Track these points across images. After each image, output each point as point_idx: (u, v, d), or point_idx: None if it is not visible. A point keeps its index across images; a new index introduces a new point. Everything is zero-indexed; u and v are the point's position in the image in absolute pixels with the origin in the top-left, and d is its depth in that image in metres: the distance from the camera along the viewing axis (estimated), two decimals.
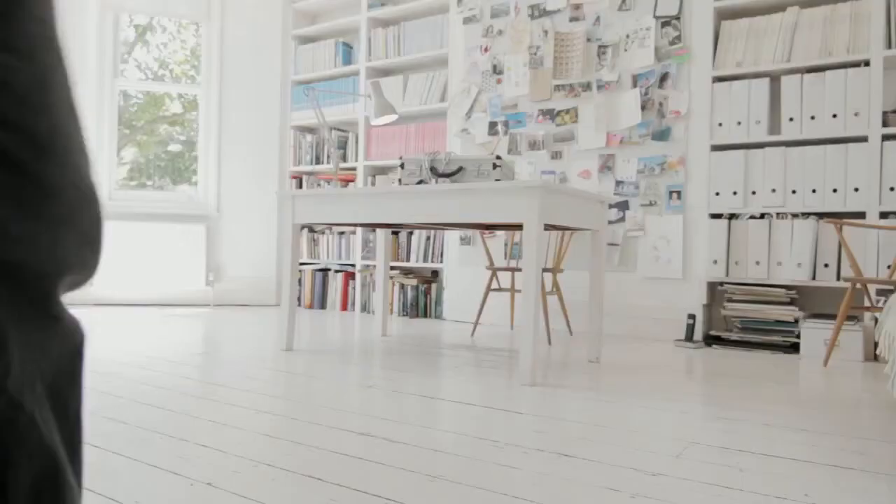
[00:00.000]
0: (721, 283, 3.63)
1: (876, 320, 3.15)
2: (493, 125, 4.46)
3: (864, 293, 3.07)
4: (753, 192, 3.53)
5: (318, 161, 5.44)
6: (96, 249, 0.66)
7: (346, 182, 5.22)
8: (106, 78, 5.25)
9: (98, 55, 5.21)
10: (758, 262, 3.49)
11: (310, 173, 5.55)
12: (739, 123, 3.57)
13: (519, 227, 3.16)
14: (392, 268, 5.06)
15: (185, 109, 5.82)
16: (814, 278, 3.37)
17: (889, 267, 3.16)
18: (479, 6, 4.53)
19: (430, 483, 1.34)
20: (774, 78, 3.57)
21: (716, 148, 3.65)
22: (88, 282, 0.68)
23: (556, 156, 4.22)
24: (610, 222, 4.02)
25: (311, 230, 5.49)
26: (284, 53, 5.59)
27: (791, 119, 3.46)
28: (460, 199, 2.53)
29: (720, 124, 3.62)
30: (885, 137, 3.24)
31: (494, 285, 4.50)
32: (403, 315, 4.85)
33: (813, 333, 3.25)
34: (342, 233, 5.31)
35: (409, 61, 4.98)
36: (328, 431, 1.71)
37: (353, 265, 5.25)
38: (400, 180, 2.87)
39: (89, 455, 1.46)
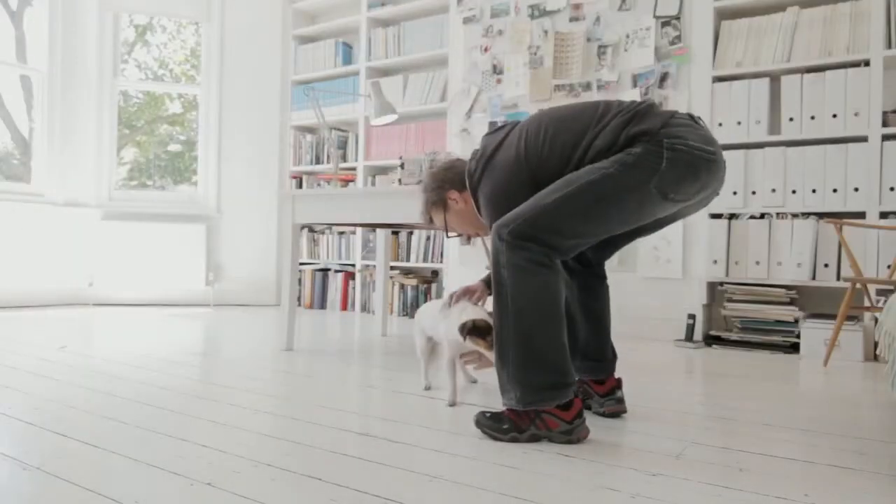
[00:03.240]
0: (721, 283, 3.63)
1: (876, 320, 3.15)
2: (493, 125, 4.46)
3: (864, 293, 3.07)
4: (753, 192, 3.53)
5: (318, 161, 5.44)
6: None
7: (346, 182, 5.22)
8: (106, 78, 5.25)
9: (98, 55, 5.21)
10: (758, 262, 3.49)
11: (310, 173, 5.55)
12: (739, 123, 3.57)
13: None
14: (392, 268, 5.06)
15: (185, 109, 5.82)
16: (814, 278, 3.37)
17: (889, 267, 3.16)
18: (479, 6, 4.53)
19: (430, 483, 1.34)
20: (774, 78, 3.57)
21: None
22: None
23: None
24: None
25: (311, 230, 5.49)
26: (284, 53, 5.59)
27: (791, 119, 3.46)
28: None
29: (720, 124, 3.62)
30: (885, 137, 3.24)
31: None
32: (403, 315, 4.85)
33: (813, 333, 3.25)
34: (342, 233, 5.31)
35: (409, 61, 4.98)
36: (328, 431, 1.71)
37: (353, 265, 5.25)
38: (400, 180, 2.87)
39: (90, 455, 1.46)
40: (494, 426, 1.67)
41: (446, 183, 1.95)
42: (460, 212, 1.97)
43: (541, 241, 1.64)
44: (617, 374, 2.53)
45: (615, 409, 1.92)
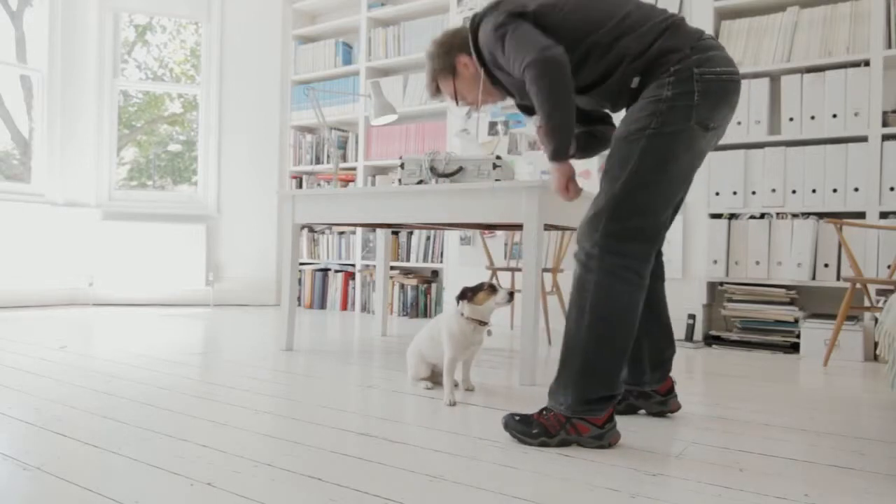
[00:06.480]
0: (721, 283, 3.63)
1: (876, 320, 3.15)
2: (493, 125, 4.46)
3: (864, 293, 3.07)
4: (753, 192, 3.53)
5: (318, 161, 5.44)
6: None
7: (346, 182, 5.22)
8: (106, 78, 5.25)
9: (98, 55, 5.21)
10: (758, 262, 3.49)
11: (310, 173, 5.55)
12: (739, 123, 3.57)
13: (519, 227, 3.16)
14: (392, 268, 5.06)
15: (185, 109, 5.82)
16: (814, 278, 3.37)
17: (889, 267, 3.16)
18: (479, 6, 4.53)
19: (430, 483, 1.34)
20: (774, 78, 3.57)
21: (716, 148, 3.65)
22: None
23: None
24: None
25: (311, 230, 5.49)
26: (284, 53, 5.59)
27: (791, 119, 3.46)
28: (460, 199, 2.53)
29: None
30: (885, 137, 3.24)
31: None
32: (403, 315, 4.85)
33: (813, 333, 3.25)
34: (342, 233, 5.31)
35: (409, 61, 4.98)
36: (328, 431, 1.71)
37: (353, 265, 5.25)
38: (400, 180, 2.87)
39: (90, 455, 1.46)
40: (523, 430, 1.62)
41: (454, 48, 1.83)
42: (472, 77, 1.80)
43: (632, 234, 1.58)
44: None
45: (677, 406, 1.92)
